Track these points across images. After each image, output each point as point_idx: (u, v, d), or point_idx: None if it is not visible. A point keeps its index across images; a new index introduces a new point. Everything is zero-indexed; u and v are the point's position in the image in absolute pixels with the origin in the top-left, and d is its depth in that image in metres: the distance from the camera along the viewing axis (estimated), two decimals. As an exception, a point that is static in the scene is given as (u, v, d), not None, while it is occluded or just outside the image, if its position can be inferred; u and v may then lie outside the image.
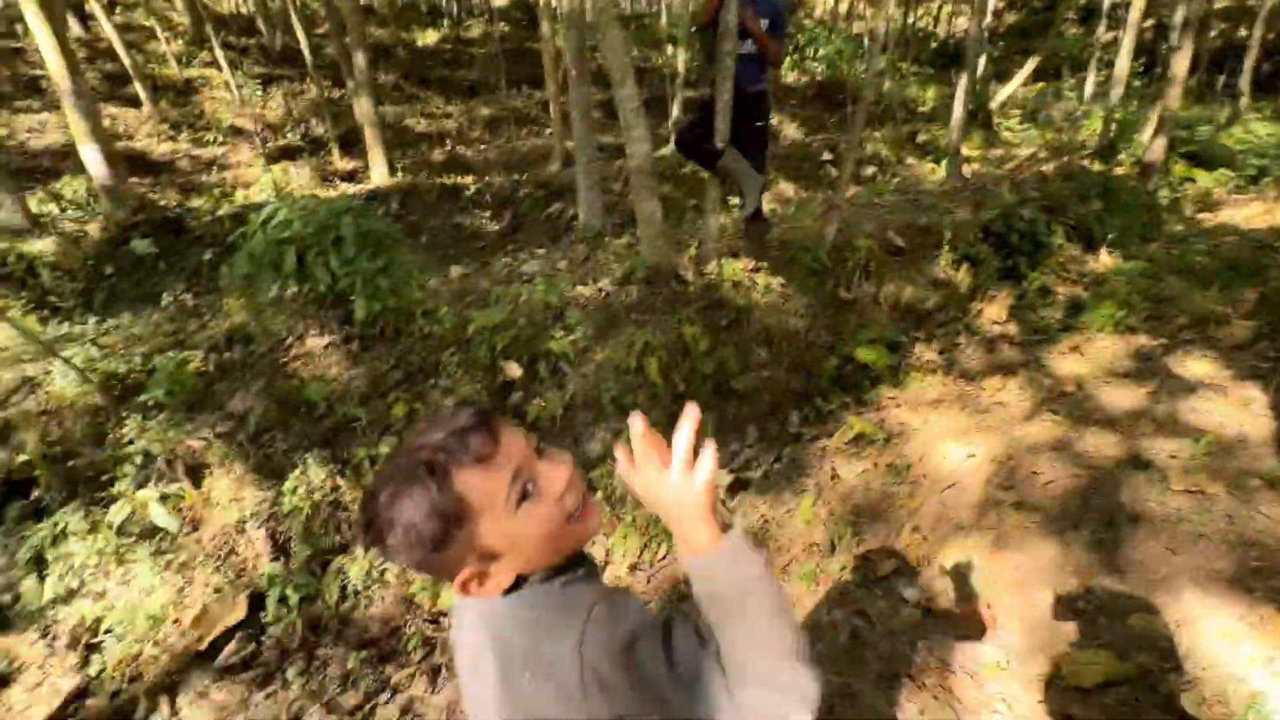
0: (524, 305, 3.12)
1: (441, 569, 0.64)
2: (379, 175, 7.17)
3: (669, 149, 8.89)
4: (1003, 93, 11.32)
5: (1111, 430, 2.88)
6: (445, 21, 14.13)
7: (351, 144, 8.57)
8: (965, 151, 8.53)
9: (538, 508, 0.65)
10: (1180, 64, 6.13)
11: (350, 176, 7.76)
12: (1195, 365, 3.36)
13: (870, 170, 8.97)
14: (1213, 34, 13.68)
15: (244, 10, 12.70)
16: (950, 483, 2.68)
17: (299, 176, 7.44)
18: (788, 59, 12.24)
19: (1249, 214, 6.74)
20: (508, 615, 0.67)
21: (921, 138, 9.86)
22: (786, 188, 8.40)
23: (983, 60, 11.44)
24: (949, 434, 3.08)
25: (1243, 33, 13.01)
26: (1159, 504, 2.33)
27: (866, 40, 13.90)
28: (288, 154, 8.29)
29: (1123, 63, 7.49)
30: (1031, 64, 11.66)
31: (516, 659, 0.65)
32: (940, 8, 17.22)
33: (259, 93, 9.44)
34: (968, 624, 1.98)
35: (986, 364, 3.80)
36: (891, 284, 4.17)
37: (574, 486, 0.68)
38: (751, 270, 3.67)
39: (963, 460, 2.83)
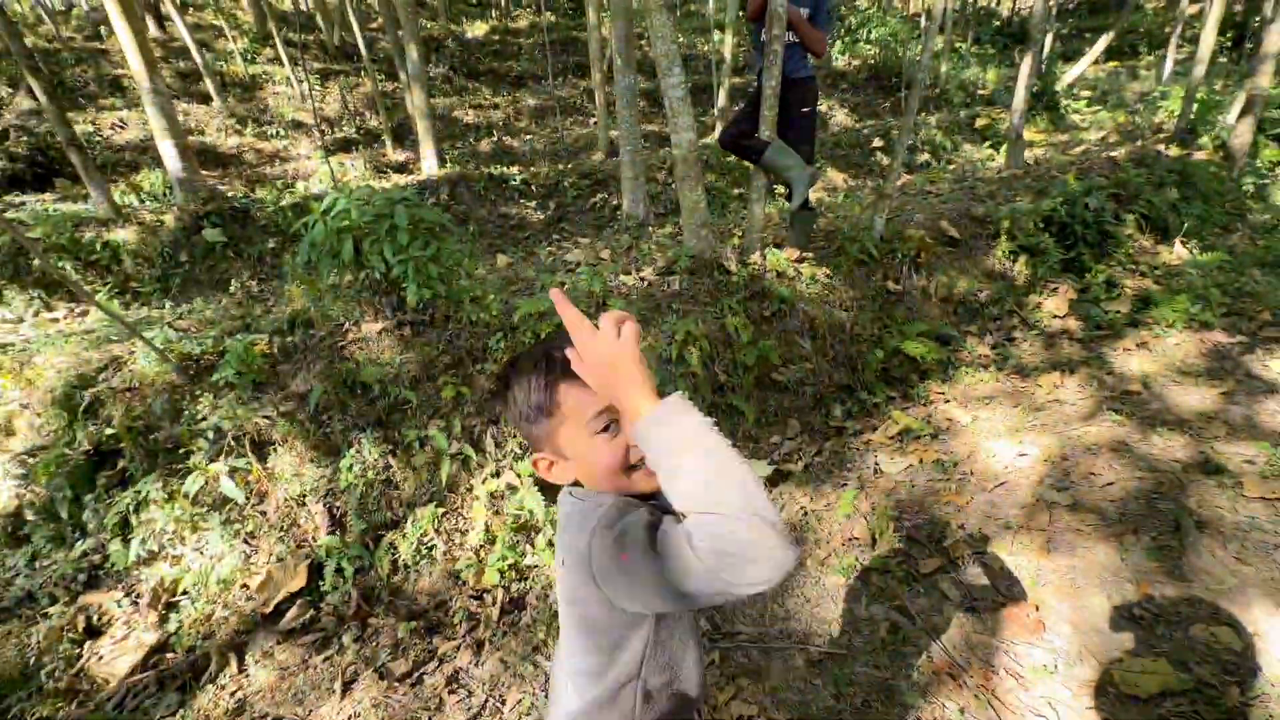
0: (569, 294, 3.17)
1: (531, 441, 0.80)
2: (429, 166, 7.36)
3: (714, 137, 8.80)
4: (1071, 73, 10.69)
5: (1180, 432, 2.73)
6: (493, 13, 14.31)
7: (403, 136, 8.83)
8: (1028, 136, 8.12)
9: (609, 444, 0.75)
10: (1274, 38, 5.64)
11: (402, 168, 7.99)
12: (1277, 365, 3.14)
13: (924, 157, 8.65)
14: (1314, 4, 12.49)
15: (304, 7, 13.18)
16: (1000, 481, 2.60)
17: (354, 168, 7.71)
18: (839, 42, 11.86)
19: (1348, 201, 6.20)
20: (564, 506, 0.81)
21: (980, 122, 9.42)
22: (836, 176, 8.20)
23: (1049, 38, 10.82)
24: (1000, 431, 2.97)
25: (1350, 2, 11.84)
26: (1230, 511, 2.20)
27: (923, 20, 13.33)
28: (344, 146, 8.60)
29: (1208, 37, 6.93)
30: (1104, 41, 10.96)
31: (561, 547, 0.78)
32: (1005, -16, 16.34)
33: (317, 87, 9.81)
34: (1014, 625, 1.92)
35: (1044, 360, 3.64)
36: (943, 276, 4.03)
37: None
38: (796, 261, 3.61)
39: (1014, 459, 2.74)
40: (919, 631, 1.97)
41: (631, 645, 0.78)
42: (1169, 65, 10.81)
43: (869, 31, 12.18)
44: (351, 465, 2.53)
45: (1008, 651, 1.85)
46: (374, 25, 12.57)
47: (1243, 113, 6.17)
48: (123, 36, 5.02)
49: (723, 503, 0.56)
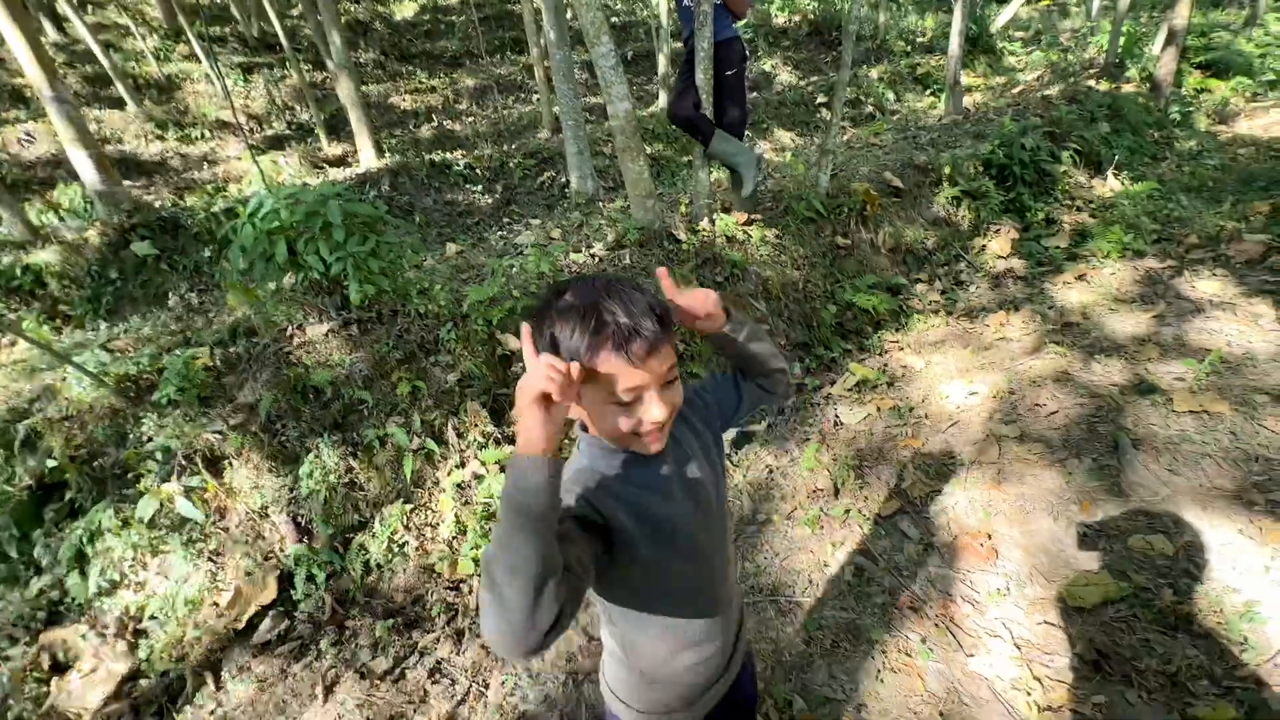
0: (518, 277, 3.13)
1: None
2: (367, 158, 7.11)
3: (658, 106, 8.67)
4: (1004, 15, 10.81)
5: (1117, 357, 2.86)
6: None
7: (338, 128, 8.47)
8: (966, 81, 8.21)
9: (625, 414, 0.77)
10: (1190, -33, 5.79)
11: (339, 161, 7.70)
12: (1204, 285, 3.30)
13: (869, 109, 8.69)
14: (1230, -70, 12.82)
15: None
16: (953, 421, 2.70)
17: (288, 166, 7.39)
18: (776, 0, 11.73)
19: (1268, 122, 6.48)
20: (579, 443, 0.89)
21: (921, 71, 9.49)
22: (782, 135, 8.19)
23: (982, -19, 10.89)
24: (951, 373, 3.07)
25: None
26: (1163, 427, 2.33)
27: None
28: (275, 144, 8.22)
29: (1129, -29, 7.09)
30: (1034, -19, 11.08)
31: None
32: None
33: (240, 83, 9.31)
34: (969, 555, 2.02)
35: (990, 300, 3.76)
36: (890, 227, 4.10)
37: (661, 423, 0.78)
38: (745, 224, 3.62)
39: (965, 398, 2.84)
40: (883, 571, 2.06)
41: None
42: (1097, 1, 11.02)
43: (807, -15, 12.06)
44: (311, 472, 2.49)
45: (964, 580, 1.94)
46: (294, 12, 11.93)
47: (1166, 43, 6.34)
48: (13, 42, 4.67)
49: (491, 567, 0.61)
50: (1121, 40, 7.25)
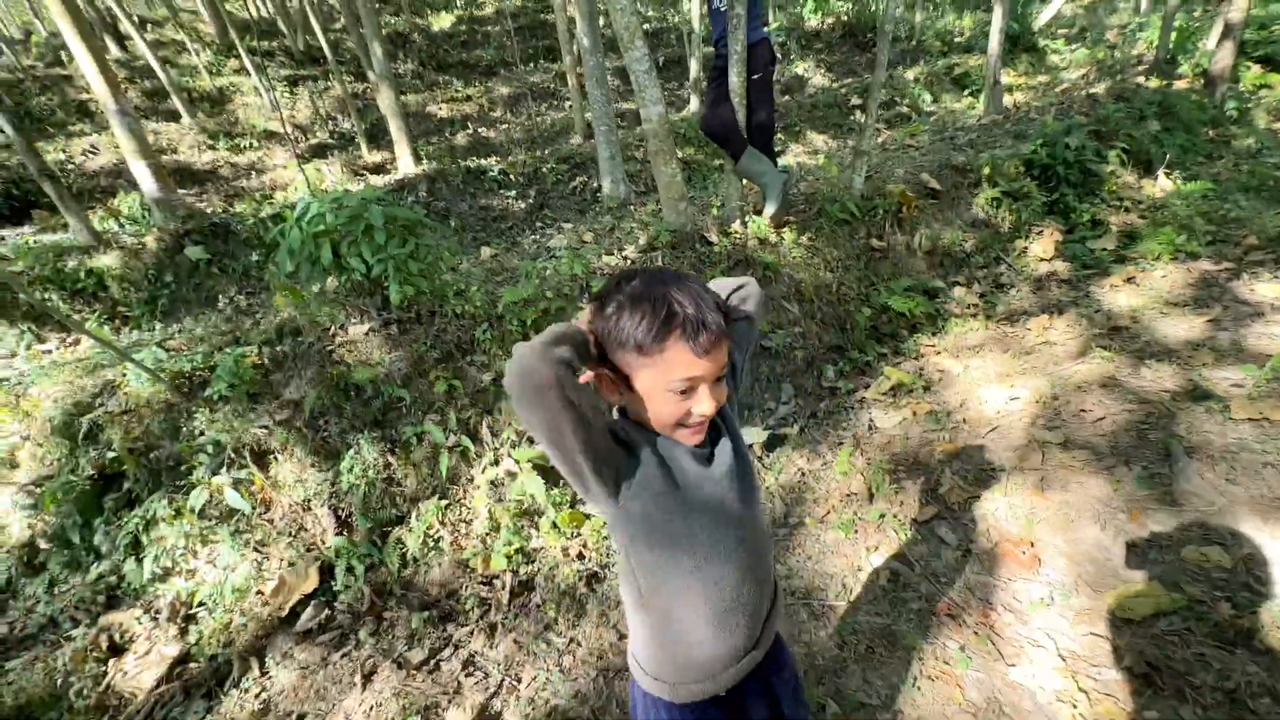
0: (551, 279, 3.17)
1: (603, 346, 0.82)
2: (406, 165, 7.31)
3: (690, 111, 8.70)
4: (1046, 12, 10.51)
5: (1169, 362, 2.75)
6: (458, 2, 14.05)
7: (378, 137, 8.74)
8: (1008, 80, 8.02)
9: (679, 402, 0.81)
10: (1248, -43, 5.54)
11: (379, 169, 7.93)
12: (1264, 288, 3.15)
13: (905, 110, 8.55)
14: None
15: (266, 13, 12.95)
16: (992, 426, 2.63)
17: (330, 173, 7.65)
18: (810, 1, 11.64)
19: (1333, 118, 6.14)
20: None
21: (959, 71, 9.30)
22: (815, 138, 8.12)
23: (1023, -21, 10.60)
24: (991, 378, 3.00)
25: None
26: (1219, 435, 2.23)
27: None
28: (319, 152, 8.52)
29: (1182, -37, 6.82)
30: (1079, -23, 10.74)
31: None
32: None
33: (287, 94, 9.69)
34: (1010, 563, 1.96)
35: (1032, 304, 3.65)
36: (926, 229, 4.02)
37: (706, 417, 0.82)
38: (778, 227, 3.60)
39: (1005, 403, 2.76)
40: (919, 577, 2.01)
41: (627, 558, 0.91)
42: (1146, -5, 10.63)
43: (841, -13, 11.95)
44: (352, 467, 2.57)
45: (1005, 589, 1.89)
46: (337, 26, 12.37)
47: (1222, 37, 6.08)
48: (82, 60, 4.96)
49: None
50: (1174, 35, 6.98)
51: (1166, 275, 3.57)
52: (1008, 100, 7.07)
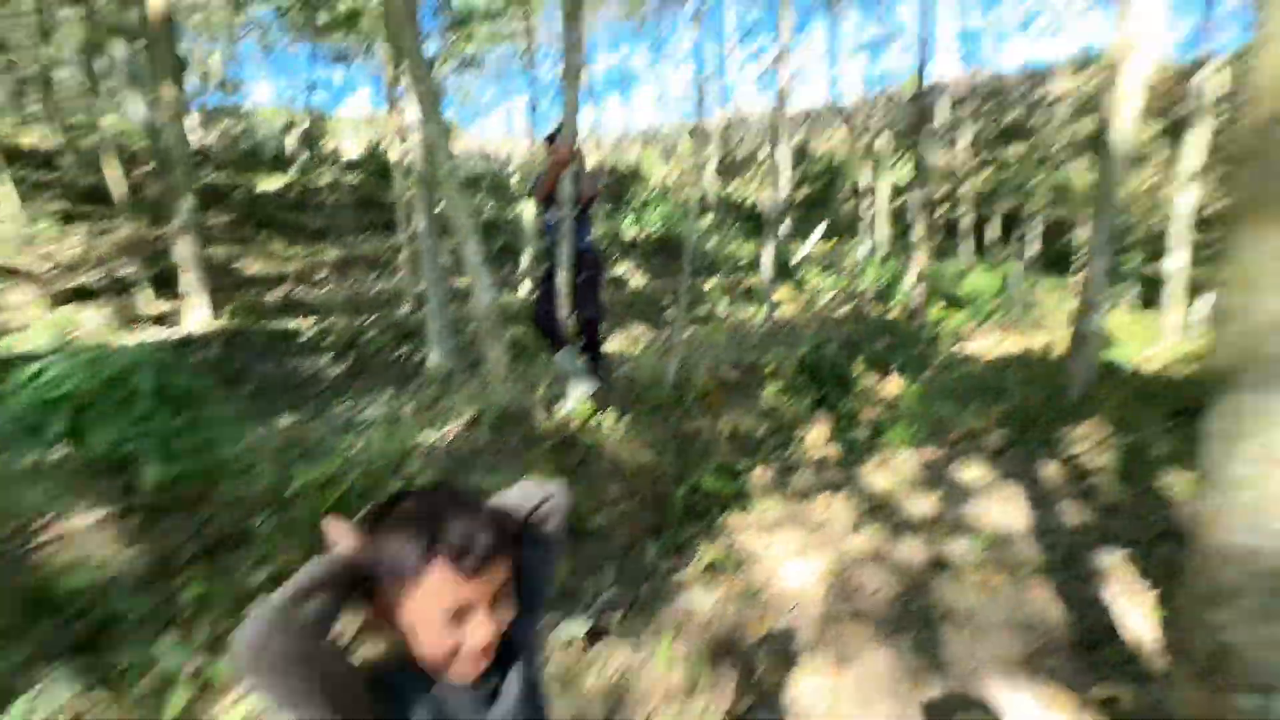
0: (360, 455, 2.92)
1: (381, 581, 0.74)
2: (198, 319, 6.57)
3: (520, 294, 9.33)
4: (802, 250, 13.70)
5: (917, 535, 3.28)
6: (292, 168, 14.12)
7: (169, 284, 7.84)
8: (780, 297, 10.01)
9: (444, 630, 0.72)
10: (918, 231, 7.99)
11: (162, 320, 6.99)
12: (969, 471, 4.02)
13: (705, 311, 10.10)
14: (945, 208, 18.06)
15: (45, 147, 11.65)
16: (794, 603, 2.82)
17: (92, 320, 6.54)
18: (629, 215, 13.85)
19: (987, 344, 8.56)
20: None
21: (745, 285, 11.43)
22: (635, 328, 9.10)
23: (786, 223, 13.86)
24: (790, 554, 3.28)
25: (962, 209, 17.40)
26: (960, 600, 2.64)
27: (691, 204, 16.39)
28: (81, 295, 7.31)
29: (880, 230, 9.62)
30: (820, 228, 14.33)
31: None
32: (750, 181, 20.99)
33: (54, 230, 8.43)
34: (821, 752, 1.99)
35: (815, 484, 4.20)
36: (729, 416, 4.57)
37: (482, 647, 0.74)
38: (599, 408, 3.82)
39: (803, 578, 3.01)
40: (741, 781, 1.94)
41: None
42: (864, 246, 14.50)
43: (653, 209, 14.48)
44: (29, 715, 1.85)
45: (819, 782, 1.89)
46: (143, 169, 11.52)
47: (917, 280, 8.42)
48: None
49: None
50: (885, 277, 9.50)
51: (906, 460, 4.41)
52: (781, 313, 8.79)
